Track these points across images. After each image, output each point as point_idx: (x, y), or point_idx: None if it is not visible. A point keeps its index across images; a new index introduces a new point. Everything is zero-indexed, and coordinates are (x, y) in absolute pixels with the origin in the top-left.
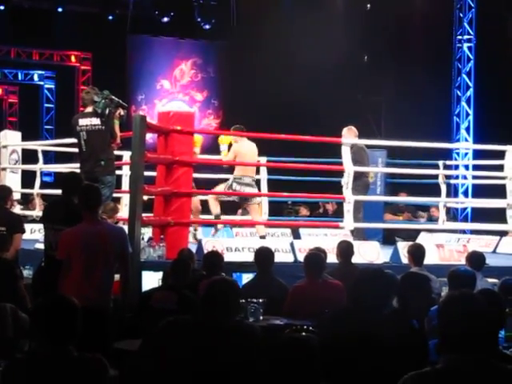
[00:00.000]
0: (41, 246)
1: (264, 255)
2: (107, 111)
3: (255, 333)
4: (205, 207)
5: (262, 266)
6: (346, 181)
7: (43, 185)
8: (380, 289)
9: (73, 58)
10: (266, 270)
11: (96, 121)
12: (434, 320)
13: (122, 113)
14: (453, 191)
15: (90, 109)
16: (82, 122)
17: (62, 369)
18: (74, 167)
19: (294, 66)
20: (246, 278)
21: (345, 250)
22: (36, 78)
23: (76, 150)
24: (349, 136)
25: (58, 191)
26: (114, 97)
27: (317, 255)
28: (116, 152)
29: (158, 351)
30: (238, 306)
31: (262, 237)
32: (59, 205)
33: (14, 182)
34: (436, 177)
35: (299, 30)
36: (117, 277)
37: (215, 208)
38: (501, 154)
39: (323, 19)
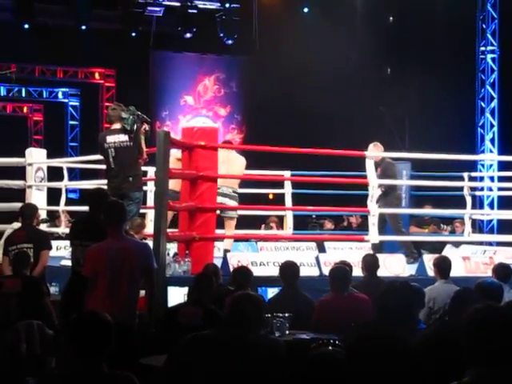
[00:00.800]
0: (67, 262)
1: (289, 269)
2: (135, 127)
3: (280, 347)
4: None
5: (287, 281)
6: (371, 194)
7: (69, 201)
8: (406, 301)
9: (97, 75)
10: (292, 285)
11: (124, 137)
12: None
13: (147, 128)
14: (478, 203)
15: (117, 125)
16: (110, 139)
17: None
18: (99, 183)
19: (317, 79)
20: (272, 292)
21: (370, 263)
22: (60, 95)
23: (101, 166)
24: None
25: (84, 208)
26: (139, 112)
27: (342, 269)
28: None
29: (183, 366)
30: (262, 321)
31: (227, 251)
32: (86, 221)
33: (39, 199)
34: (461, 189)
35: (321, 43)
36: (142, 292)
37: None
38: None
39: (345, 32)
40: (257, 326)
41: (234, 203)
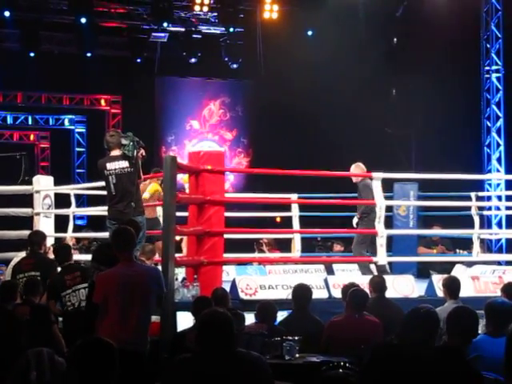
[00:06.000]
0: None
1: (302, 293)
2: (135, 153)
3: (263, 361)
4: (232, 246)
5: (299, 303)
6: (379, 215)
7: (76, 228)
8: (430, 328)
9: (103, 102)
10: (303, 307)
11: (124, 164)
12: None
13: (144, 153)
14: (486, 222)
15: (116, 152)
16: (110, 165)
17: None
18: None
19: (321, 102)
20: (281, 315)
21: (378, 284)
22: (67, 122)
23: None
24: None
25: (91, 234)
26: (137, 138)
27: (363, 292)
28: None
29: None
30: (232, 336)
31: None
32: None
33: (47, 226)
34: (469, 208)
35: (325, 66)
36: (153, 318)
37: None
38: None
39: (350, 54)
40: (229, 341)
41: None
